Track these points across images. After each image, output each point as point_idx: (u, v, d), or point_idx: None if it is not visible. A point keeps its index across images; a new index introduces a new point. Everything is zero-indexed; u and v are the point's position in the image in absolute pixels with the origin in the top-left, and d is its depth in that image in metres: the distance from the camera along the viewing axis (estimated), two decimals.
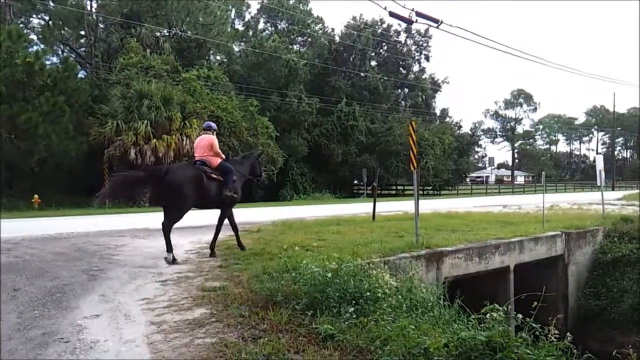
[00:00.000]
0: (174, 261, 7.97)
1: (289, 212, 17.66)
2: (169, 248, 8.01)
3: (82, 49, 37.76)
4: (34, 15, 34.47)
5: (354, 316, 4.95)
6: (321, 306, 5.23)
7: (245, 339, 4.52)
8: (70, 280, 6.79)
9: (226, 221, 8.86)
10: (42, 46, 30.63)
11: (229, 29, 42.55)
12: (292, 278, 6.12)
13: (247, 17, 49.47)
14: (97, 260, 8.29)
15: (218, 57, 43.20)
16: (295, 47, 45.69)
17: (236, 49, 43.24)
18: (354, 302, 5.27)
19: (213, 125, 9.15)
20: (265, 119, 33.24)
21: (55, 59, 32.02)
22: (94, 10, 36.03)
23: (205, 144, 8.67)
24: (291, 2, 48.34)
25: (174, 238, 8.55)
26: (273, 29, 47.86)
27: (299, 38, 48.82)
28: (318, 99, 39.78)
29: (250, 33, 47.05)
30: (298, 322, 4.99)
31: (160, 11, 35.18)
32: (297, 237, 10.32)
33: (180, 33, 37.22)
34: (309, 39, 48.29)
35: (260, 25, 49.29)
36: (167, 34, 36.90)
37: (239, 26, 48.53)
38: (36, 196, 23.21)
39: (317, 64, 43.72)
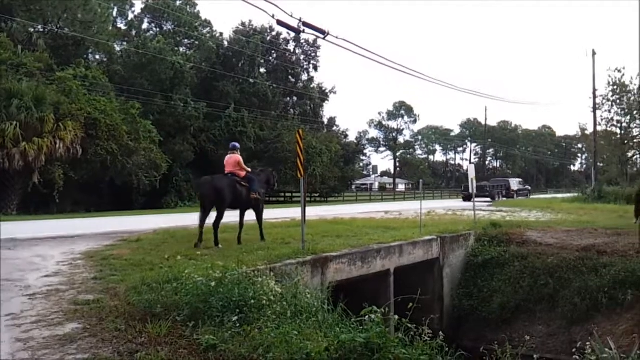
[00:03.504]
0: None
1: (172, 220, 17.10)
2: (217, 242, 10.19)
3: None
4: None
5: (238, 325, 4.90)
6: (204, 316, 5.15)
7: (121, 354, 4.33)
8: None
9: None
10: None
11: (110, 28, 40.38)
12: (173, 289, 5.94)
13: (131, 16, 47.33)
14: None
15: (97, 57, 40.91)
16: (181, 49, 44.39)
17: (118, 48, 41.15)
18: (238, 310, 5.22)
19: (237, 145, 11.42)
20: (148, 123, 31.98)
21: None
22: None
23: (233, 161, 10.96)
24: (178, 3, 46.99)
25: (44, 249, 8.04)
26: (158, 29, 46.15)
27: (186, 40, 47.48)
28: (205, 104, 38.98)
29: (134, 33, 45.00)
30: (179, 334, 4.87)
31: (35, 5, 32.64)
32: (181, 246, 10.02)
33: (56, 30, 34.79)
34: (197, 42, 47.18)
35: (145, 26, 47.29)
36: (42, 30, 34.31)
37: (122, 25, 46.27)
38: None
39: (205, 68, 42.84)
